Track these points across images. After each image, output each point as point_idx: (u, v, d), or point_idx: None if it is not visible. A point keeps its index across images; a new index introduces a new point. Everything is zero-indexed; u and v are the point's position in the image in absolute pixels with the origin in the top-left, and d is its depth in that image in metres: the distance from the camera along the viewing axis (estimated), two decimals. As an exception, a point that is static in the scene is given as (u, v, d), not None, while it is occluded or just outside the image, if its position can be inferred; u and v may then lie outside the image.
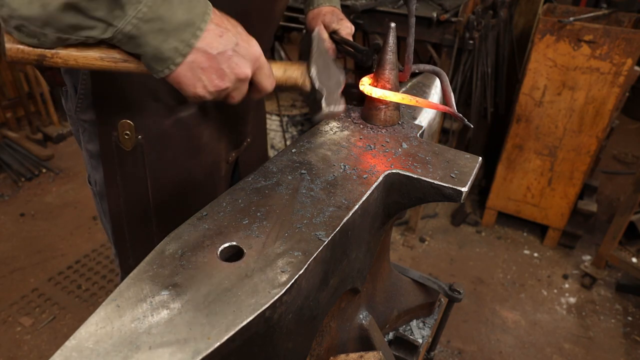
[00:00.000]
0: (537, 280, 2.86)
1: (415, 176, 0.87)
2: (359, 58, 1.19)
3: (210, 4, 0.75)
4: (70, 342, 0.53)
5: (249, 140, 1.36)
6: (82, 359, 0.51)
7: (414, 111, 1.12)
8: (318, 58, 0.92)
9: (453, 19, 2.40)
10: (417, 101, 0.97)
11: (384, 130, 1.02)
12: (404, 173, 0.88)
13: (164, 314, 0.57)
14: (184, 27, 0.70)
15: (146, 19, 0.67)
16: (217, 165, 1.23)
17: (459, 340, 2.44)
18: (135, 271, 0.63)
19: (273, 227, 0.73)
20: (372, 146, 0.96)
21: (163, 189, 1.13)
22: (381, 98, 0.99)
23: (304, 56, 0.96)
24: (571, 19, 2.49)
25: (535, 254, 3.07)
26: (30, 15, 0.63)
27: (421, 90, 1.21)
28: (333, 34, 1.24)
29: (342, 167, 0.89)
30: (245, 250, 0.68)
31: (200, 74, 0.75)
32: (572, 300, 2.73)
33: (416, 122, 1.08)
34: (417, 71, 1.09)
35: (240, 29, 0.79)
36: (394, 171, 0.88)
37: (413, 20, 0.96)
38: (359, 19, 2.55)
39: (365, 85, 1.01)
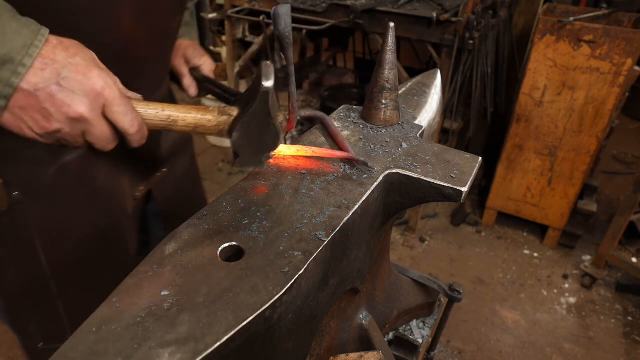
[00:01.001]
0: (537, 280, 2.86)
1: (415, 176, 0.87)
2: (226, 98, 1.06)
3: (42, 32, 0.63)
4: (69, 342, 0.53)
5: (164, 170, 1.19)
6: (81, 359, 0.51)
7: (414, 111, 1.12)
8: (253, 118, 0.76)
9: (453, 19, 2.40)
10: (313, 151, 0.89)
11: (384, 130, 1.02)
12: (404, 173, 0.88)
13: (164, 314, 0.57)
14: (0, 64, 0.59)
15: None
16: (122, 206, 1.08)
17: (459, 340, 2.44)
18: (134, 271, 0.63)
19: (273, 227, 0.73)
20: (372, 146, 0.96)
21: (59, 248, 0.97)
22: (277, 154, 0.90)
23: (243, 99, 0.80)
24: (571, 19, 2.49)
25: (535, 254, 3.07)
26: None
27: (421, 91, 1.21)
28: (193, 71, 1.13)
29: (342, 167, 0.89)
30: (245, 250, 0.68)
31: (22, 115, 0.64)
32: (572, 300, 2.73)
33: (416, 122, 1.07)
34: (303, 116, 0.98)
35: (78, 59, 0.65)
36: (394, 171, 0.88)
37: (292, 69, 0.84)
38: (359, 19, 2.55)
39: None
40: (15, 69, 0.60)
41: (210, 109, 0.78)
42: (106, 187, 1.01)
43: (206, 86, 1.11)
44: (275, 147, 0.81)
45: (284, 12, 0.82)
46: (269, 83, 0.72)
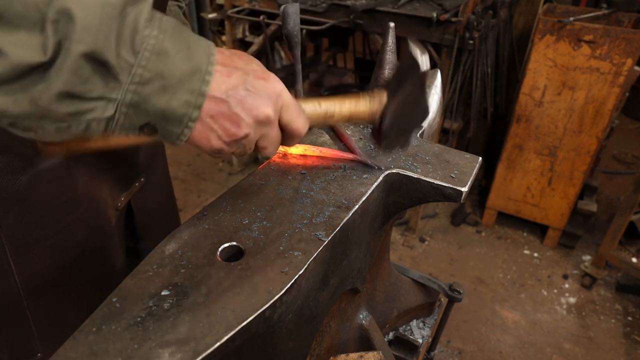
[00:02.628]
0: (537, 280, 2.86)
1: (415, 176, 0.87)
2: None
3: (212, 43, 0.64)
4: (69, 343, 0.53)
5: (142, 179, 1.16)
6: (81, 359, 0.51)
7: (414, 111, 1.12)
8: (407, 100, 0.77)
9: (453, 19, 2.40)
10: (320, 151, 0.92)
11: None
12: (404, 173, 0.88)
13: (164, 314, 0.57)
14: (190, 75, 0.59)
15: (144, 80, 0.57)
16: (104, 216, 1.04)
17: (459, 340, 2.44)
18: (134, 271, 0.63)
19: (273, 227, 0.73)
20: (372, 146, 0.96)
21: (32, 259, 0.91)
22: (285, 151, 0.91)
23: (389, 83, 0.81)
24: (571, 19, 2.49)
25: (535, 254, 3.07)
26: (20, 113, 0.55)
27: (421, 90, 1.21)
28: None
29: (342, 167, 0.89)
30: (245, 250, 0.68)
31: (211, 124, 0.63)
32: (572, 300, 2.73)
33: (416, 122, 1.07)
34: None
35: (254, 65, 0.67)
36: (394, 171, 0.88)
37: (299, 67, 0.86)
38: (359, 19, 2.55)
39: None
40: (203, 77, 0.60)
41: (361, 95, 0.78)
42: (86, 196, 0.97)
43: None
44: (421, 123, 0.84)
45: (293, 10, 0.82)
46: (424, 65, 0.75)
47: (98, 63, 0.54)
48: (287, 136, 0.72)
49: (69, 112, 0.56)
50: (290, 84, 0.84)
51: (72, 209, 0.94)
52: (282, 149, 0.86)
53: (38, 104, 0.54)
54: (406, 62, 0.76)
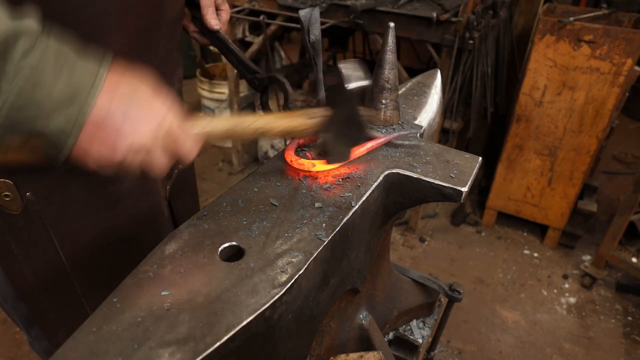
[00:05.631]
0: (537, 280, 2.86)
1: (415, 176, 0.87)
2: (248, 79, 1.00)
3: (105, 68, 0.64)
4: (70, 342, 0.53)
5: (180, 166, 1.16)
6: (81, 359, 0.51)
7: (414, 111, 1.12)
8: (341, 118, 0.80)
9: (453, 19, 2.40)
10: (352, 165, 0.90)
11: (384, 130, 1.02)
12: (404, 173, 0.88)
13: (164, 314, 0.57)
14: (68, 104, 0.60)
15: (17, 107, 0.58)
16: (158, 208, 1.06)
17: (459, 340, 2.44)
18: (134, 271, 0.63)
19: (273, 227, 0.73)
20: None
21: (80, 250, 0.96)
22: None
23: (325, 100, 0.83)
24: (571, 19, 2.49)
25: (535, 254, 3.07)
26: None
27: (421, 91, 1.21)
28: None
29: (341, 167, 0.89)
30: (245, 250, 0.68)
31: (88, 148, 0.65)
32: (572, 300, 2.73)
33: (416, 122, 1.07)
34: None
35: (141, 90, 0.67)
36: (394, 171, 0.88)
37: (321, 75, 0.86)
38: (359, 19, 2.55)
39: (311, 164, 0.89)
40: (81, 106, 0.61)
41: (298, 113, 0.82)
42: (136, 189, 0.98)
43: (227, 54, 1.08)
44: (361, 140, 0.88)
45: (317, 16, 0.81)
46: (352, 85, 0.76)
47: None
48: (176, 158, 0.73)
49: None
50: (292, 83, 0.84)
51: (114, 202, 0.97)
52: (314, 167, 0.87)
53: None
54: (333, 84, 0.78)
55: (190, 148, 0.72)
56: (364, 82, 0.77)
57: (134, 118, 0.65)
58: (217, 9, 1.09)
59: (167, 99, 0.70)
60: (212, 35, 1.08)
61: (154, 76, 0.72)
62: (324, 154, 0.86)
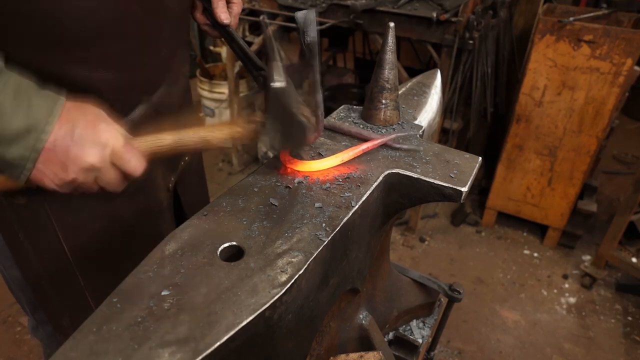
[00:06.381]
0: (537, 280, 2.86)
1: (415, 176, 0.87)
2: (254, 75, 1.00)
3: (62, 100, 0.72)
4: (70, 342, 0.53)
5: (187, 158, 1.20)
6: (81, 359, 0.51)
7: (414, 111, 1.12)
8: (274, 119, 0.80)
9: (453, 19, 2.40)
10: (342, 159, 0.90)
11: (383, 130, 1.02)
12: (404, 173, 0.88)
13: (164, 314, 0.57)
14: (25, 133, 0.68)
15: None
16: (155, 198, 1.09)
17: (459, 340, 2.44)
18: (134, 271, 0.63)
19: (273, 227, 0.73)
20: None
21: (83, 242, 1.00)
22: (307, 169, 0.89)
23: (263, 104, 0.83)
24: (571, 19, 2.49)
25: (535, 254, 3.07)
26: None
27: (421, 91, 1.21)
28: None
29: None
30: (245, 250, 0.68)
31: (43, 169, 0.72)
32: (572, 300, 2.73)
33: (416, 122, 1.08)
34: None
35: (88, 115, 0.74)
36: (394, 171, 0.88)
37: (319, 77, 0.85)
38: (359, 19, 2.55)
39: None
40: (39, 135, 0.69)
41: (238, 121, 0.83)
42: (134, 181, 1.01)
43: (236, 49, 1.08)
44: (305, 141, 0.86)
45: (313, 17, 0.81)
46: (276, 84, 0.76)
47: None
48: (126, 174, 0.79)
49: None
50: (292, 83, 0.84)
51: (115, 194, 0.99)
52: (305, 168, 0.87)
53: None
54: (267, 86, 0.77)
55: (135, 164, 0.78)
56: (283, 84, 0.77)
57: (81, 140, 0.72)
58: (229, 1, 1.10)
59: (112, 122, 0.76)
60: (222, 28, 1.09)
61: (103, 105, 0.78)
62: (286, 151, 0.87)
